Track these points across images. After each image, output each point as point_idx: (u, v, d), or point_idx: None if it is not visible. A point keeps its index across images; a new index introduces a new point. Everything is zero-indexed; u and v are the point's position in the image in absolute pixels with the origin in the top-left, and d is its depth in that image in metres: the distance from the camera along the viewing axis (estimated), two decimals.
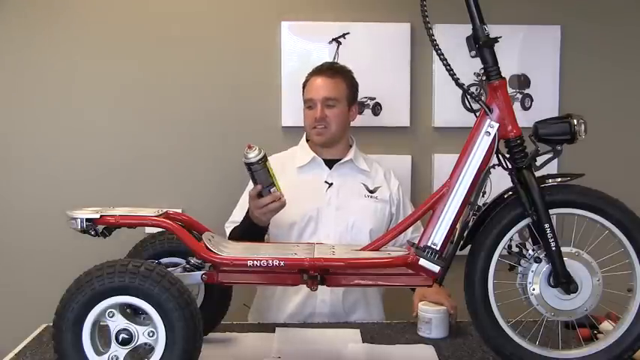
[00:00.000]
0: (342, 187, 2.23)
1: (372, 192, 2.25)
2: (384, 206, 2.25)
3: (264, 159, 1.82)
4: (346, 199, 2.22)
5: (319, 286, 1.59)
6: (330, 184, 2.23)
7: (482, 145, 1.53)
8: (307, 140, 2.33)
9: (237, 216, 2.21)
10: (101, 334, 1.44)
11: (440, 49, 1.55)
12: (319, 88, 2.21)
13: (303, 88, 2.29)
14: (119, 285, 1.39)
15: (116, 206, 1.60)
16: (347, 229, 2.18)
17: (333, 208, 2.20)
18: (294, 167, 2.27)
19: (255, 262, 1.51)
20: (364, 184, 2.26)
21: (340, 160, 2.26)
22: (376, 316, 2.24)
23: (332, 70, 2.26)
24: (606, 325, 1.73)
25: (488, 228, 1.54)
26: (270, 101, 2.76)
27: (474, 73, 1.60)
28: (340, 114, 2.23)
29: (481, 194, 1.56)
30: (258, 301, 2.32)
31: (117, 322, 1.42)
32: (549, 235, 1.49)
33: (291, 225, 2.18)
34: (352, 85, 2.28)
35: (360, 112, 2.77)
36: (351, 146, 2.31)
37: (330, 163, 2.26)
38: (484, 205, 1.56)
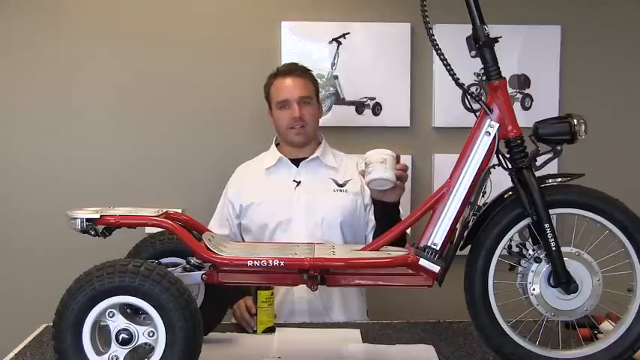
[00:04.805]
0: (311, 184, 2.24)
1: (341, 186, 2.25)
2: (355, 198, 2.24)
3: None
4: (315, 195, 2.22)
5: None
6: (298, 183, 2.24)
7: (482, 145, 1.53)
8: (277, 145, 2.34)
9: (215, 227, 2.23)
10: (101, 334, 1.43)
11: (440, 49, 1.55)
12: (292, 88, 2.22)
13: (268, 90, 2.28)
14: (119, 285, 1.39)
15: (116, 206, 1.60)
16: (317, 225, 2.19)
17: (303, 205, 2.21)
18: (262, 169, 2.28)
19: (255, 262, 1.51)
20: (333, 179, 2.26)
21: (306, 158, 2.27)
22: (356, 314, 2.24)
23: (300, 69, 2.28)
24: (606, 325, 1.73)
25: (489, 228, 1.54)
26: None
27: (474, 73, 1.59)
28: (314, 112, 2.27)
29: (481, 194, 1.56)
30: None
31: (117, 322, 1.42)
32: (549, 235, 1.49)
33: (263, 226, 2.20)
34: (316, 83, 2.33)
35: (360, 112, 2.78)
36: (320, 143, 2.32)
37: (297, 162, 2.27)
38: (484, 205, 1.55)
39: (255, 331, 1.93)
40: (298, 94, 2.21)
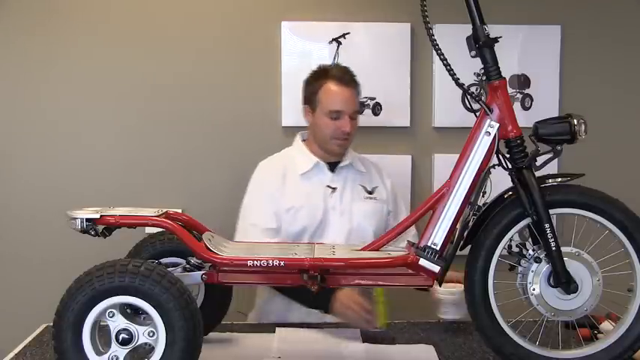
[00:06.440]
0: (345, 190, 2.22)
1: (370, 193, 2.25)
2: (382, 206, 2.25)
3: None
4: (349, 202, 2.21)
5: None
6: (334, 189, 2.21)
7: (482, 145, 1.53)
8: (303, 140, 2.28)
9: (261, 221, 2.14)
10: (101, 334, 1.44)
11: (440, 49, 1.55)
12: (348, 101, 2.17)
13: (315, 90, 2.19)
14: (119, 285, 1.39)
15: (116, 206, 1.60)
16: (351, 232, 2.17)
17: (338, 212, 2.19)
18: (296, 173, 2.21)
19: (255, 262, 1.50)
20: (363, 186, 2.25)
21: (339, 162, 2.25)
22: None
23: (353, 81, 2.21)
24: (606, 325, 1.73)
25: (489, 228, 1.54)
26: (270, 101, 2.76)
27: (474, 73, 1.59)
28: (357, 126, 2.24)
29: (481, 194, 1.56)
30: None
31: (117, 322, 1.42)
32: (549, 235, 1.49)
33: (300, 233, 2.15)
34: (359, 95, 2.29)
35: (360, 112, 2.76)
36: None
37: (330, 166, 2.25)
38: (484, 205, 1.55)
39: (375, 328, 1.88)
40: (353, 109, 2.18)
